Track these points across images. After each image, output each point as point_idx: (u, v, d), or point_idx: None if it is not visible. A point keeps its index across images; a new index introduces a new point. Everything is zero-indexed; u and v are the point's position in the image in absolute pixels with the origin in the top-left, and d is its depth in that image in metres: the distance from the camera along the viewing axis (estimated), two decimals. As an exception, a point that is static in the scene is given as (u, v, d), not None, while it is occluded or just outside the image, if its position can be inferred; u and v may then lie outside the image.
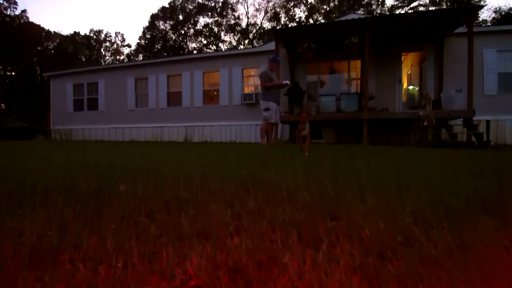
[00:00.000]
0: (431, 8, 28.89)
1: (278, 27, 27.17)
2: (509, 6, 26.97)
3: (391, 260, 0.73)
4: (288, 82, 6.93)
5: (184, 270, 0.66)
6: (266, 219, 1.01)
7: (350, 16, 11.76)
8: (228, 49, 35.36)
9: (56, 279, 0.65)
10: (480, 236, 0.87)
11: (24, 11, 40.59)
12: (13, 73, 41.01)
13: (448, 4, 30.70)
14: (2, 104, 41.07)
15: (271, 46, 11.21)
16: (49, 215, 1.06)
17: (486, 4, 26.37)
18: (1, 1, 37.45)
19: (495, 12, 27.91)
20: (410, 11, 27.83)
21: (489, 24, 26.60)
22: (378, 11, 35.56)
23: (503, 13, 26.66)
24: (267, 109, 6.47)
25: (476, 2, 27.63)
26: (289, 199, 1.32)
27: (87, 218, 1.03)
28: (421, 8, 31.51)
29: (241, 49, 18.90)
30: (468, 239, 0.84)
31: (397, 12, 30.99)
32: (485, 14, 28.85)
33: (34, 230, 0.90)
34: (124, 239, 0.84)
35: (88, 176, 1.92)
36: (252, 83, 12.91)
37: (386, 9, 36.01)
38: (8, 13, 38.45)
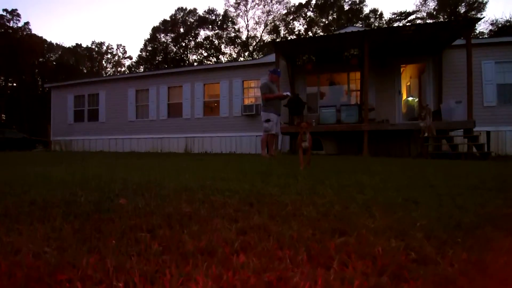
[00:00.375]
0: (428, 21, 29.33)
1: (277, 40, 27.56)
2: (505, 19, 27.32)
3: (406, 280, 0.69)
4: (288, 93, 6.94)
5: (189, 292, 0.62)
6: (273, 236, 0.98)
7: (349, 29, 11.92)
8: (228, 61, 35.73)
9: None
10: (496, 253, 0.83)
11: (27, 23, 40.92)
12: (15, 84, 41.28)
13: (445, 17, 31.23)
14: (3, 115, 41.18)
15: (271, 58, 11.32)
16: (47, 230, 1.03)
17: (484, 17, 26.74)
18: (4, 13, 38.00)
19: (492, 24, 28.34)
20: (408, 24, 28.26)
21: (486, 36, 26.97)
22: (376, 24, 36.15)
23: (499, 25, 27.05)
24: (267, 120, 6.47)
25: (473, 14, 28.11)
26: (294, 215, 1.28)
27: (86, 234, 1.00)
28: (418, 21, 32.01)
29: (241, 61, 19.12)
30: (484, 257, 0.80)
31: (395, 25, 31.45)
32: (482, 27, 29.32)
33: (31, 248, 0.86)
34: (125, 257, 0.80)
35: (88, 190, 1.89)
36: (253, 94, 12.97)
37: (384, 22, 36.63)
38: (11, 25, 38.97)
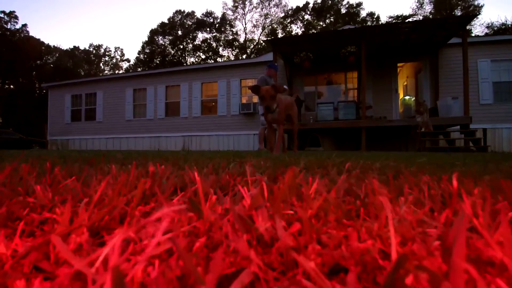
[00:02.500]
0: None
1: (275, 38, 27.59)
2: (501, 22, 27.65)
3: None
4: (286, 87, 6.91)
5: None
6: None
7: (346, 27, 11.98)
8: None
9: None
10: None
11: (24, 25, 40.64)
12: (12, 87, 41.04)
13: (441, 21, 31.54)
14: (-1, 117, 40.86)
15: (269, 57, 11.35)
16: (32, 163, 0.98)
17: (480, 14, 27.04)
18: (2, 15, 37.89)
19: (487, 27, 28.66)
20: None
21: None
22: (373, 28, 36.41)
23: (495, 28, 27.36)
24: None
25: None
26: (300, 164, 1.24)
27: (73, 170, 0.94)
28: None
29: (239, 59, 19.06)
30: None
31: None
32: (477, 30, 29.62)
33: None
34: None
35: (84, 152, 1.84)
36: (250, 93, 12.95)
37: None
38: (9, 27, 38.83)
